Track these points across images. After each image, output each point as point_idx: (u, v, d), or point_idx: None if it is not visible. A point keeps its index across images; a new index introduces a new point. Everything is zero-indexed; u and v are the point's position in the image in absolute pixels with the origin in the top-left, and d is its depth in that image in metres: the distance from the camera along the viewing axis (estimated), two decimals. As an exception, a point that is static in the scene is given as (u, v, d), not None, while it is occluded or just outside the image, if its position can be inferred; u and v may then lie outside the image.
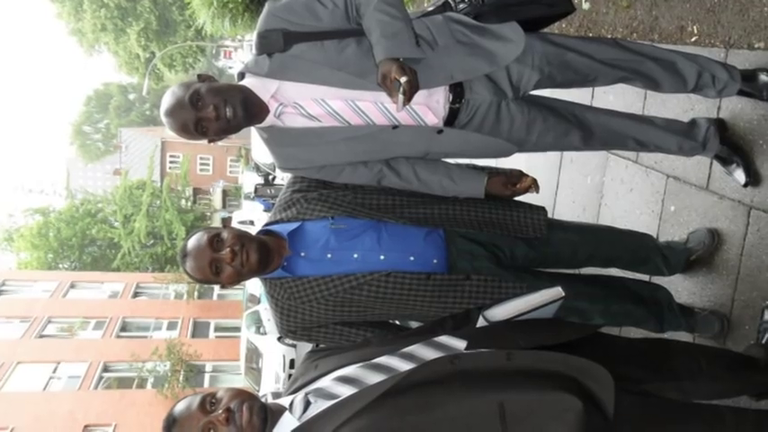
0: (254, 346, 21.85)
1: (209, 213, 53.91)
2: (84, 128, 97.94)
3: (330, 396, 2.60)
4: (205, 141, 3.55)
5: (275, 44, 3.43)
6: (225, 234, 3.41)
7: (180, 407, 2.71)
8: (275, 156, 3.71)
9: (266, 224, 3.75)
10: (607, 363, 2.60)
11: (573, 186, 6.81)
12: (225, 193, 57.71)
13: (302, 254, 3.57)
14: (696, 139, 4.21)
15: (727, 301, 4.39)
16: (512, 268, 3.77)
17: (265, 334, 21.56)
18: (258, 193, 36.28)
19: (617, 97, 5.77)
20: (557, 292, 3.06)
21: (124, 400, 27.04)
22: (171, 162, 62.77)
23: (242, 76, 3.58)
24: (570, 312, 3.67)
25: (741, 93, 4.11)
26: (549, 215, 3.97)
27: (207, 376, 29.40)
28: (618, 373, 2.61)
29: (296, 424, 2.56)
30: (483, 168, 3.89)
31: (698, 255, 4.56)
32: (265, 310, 20.78)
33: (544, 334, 2.89)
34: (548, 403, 2.46)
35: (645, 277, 4.53)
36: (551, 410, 2.44)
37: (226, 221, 43.24)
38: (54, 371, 28.78)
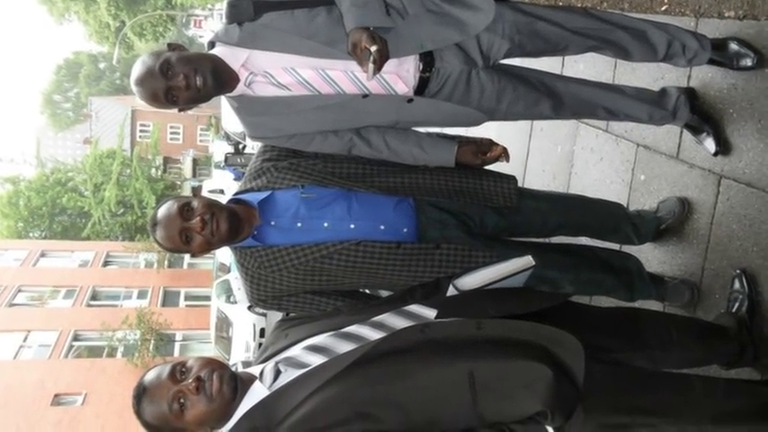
0: (225, 314, 21.81)
1: (179, 182, 53.68)
2: (55, 97, 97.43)
3: (300, 365, 2.61)
4: (175, 110, 3.55)
5: (245, 13, 3.41)
6: (195, 203, 3.39)
7: (150, 376, 2.70)
8: (245, 125, 3.70)
9: (236, 193, 3.73)
10: (577, 332, 2.62)
11: (543, 155, 6.82)
12: (195, 161, 57.40)
13: (272, 223, 3.57)
14: (666, 108, 4.21)
15: (697, 269, 4.41)
16: (482, 237, 3.78)
17: (235, 303, 21.52)
18: (228, 162, 36.22)
19: (587, 66, 5.77)
20: (527, 260, 3.08)
21: (94, 369, 26.95)
22: (141, 131, 62.35)
23: (212, 45, 3.56)
24: (540, 281, 3.68)
25: (711, 62, 4.12)
26: (520, 184, 3.98)
27: (177, 345, 29.36)
28: (588, 342, 2.62)
29: (266, 393, 2.57)
30: (453, 137, 3.88)
31: (668, 224, 4.57)
32: (235, 278, 20.73)
33: (514, 303, 2.90)
34: (517, 372, 2.48)
35: (615, 246, 4.55)
36: (521, 379, 2.46)
37: (196, 190, 43.22)
38: (24, 340, 28.67)
